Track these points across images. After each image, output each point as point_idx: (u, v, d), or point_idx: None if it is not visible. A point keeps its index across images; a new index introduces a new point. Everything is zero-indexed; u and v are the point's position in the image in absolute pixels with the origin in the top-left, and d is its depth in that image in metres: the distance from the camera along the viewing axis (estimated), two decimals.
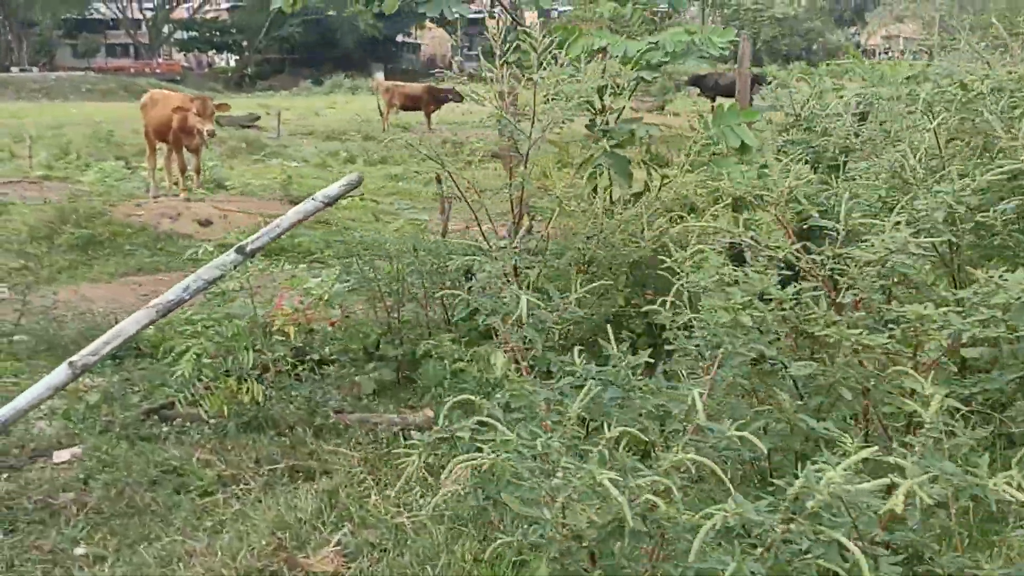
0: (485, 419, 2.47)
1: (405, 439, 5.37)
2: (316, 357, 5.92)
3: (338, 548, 4.33)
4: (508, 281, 3.16)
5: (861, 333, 2.49)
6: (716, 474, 2.49)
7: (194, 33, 63.37)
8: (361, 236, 6.30)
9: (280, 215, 13.02)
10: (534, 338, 3.00)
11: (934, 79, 5.13)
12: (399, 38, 66.67)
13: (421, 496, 4.72)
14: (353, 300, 7.08)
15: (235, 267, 5.34)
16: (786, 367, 2.71)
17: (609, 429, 2.56)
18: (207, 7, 64.40)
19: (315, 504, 4.64)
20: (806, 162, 7.31)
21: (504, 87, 5.25)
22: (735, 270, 2.74)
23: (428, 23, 65.93)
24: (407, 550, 4.26)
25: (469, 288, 6.83)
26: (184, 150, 12.81)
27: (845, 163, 6.88)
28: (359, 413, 5.74)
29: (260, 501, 4.78)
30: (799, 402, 2.64)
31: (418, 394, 6.16)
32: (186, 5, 63.32)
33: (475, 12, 72.20)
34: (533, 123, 4.99)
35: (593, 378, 2.76)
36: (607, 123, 6.22)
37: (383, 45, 63.06)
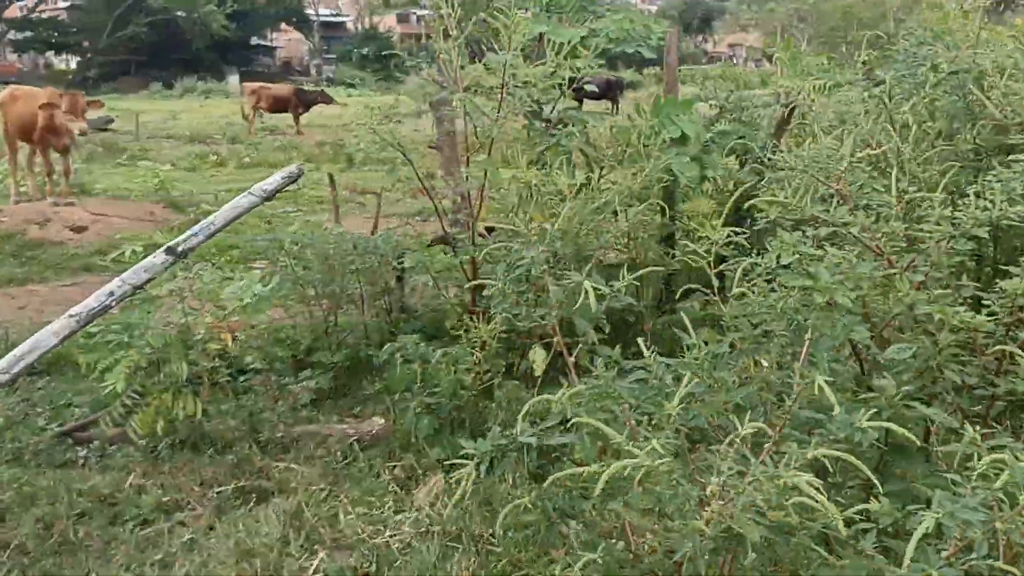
0: (589, 421, 2.16)
1: (362, 450, 4.98)
2: (257, 367, 5.43)
3: (317, 575, 3.92)
4: (545, 272, 2.87)
5: (963, 311, 2.35)
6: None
7: (30, 33, 59.37)
8: (291, 235, 5.81)
9: (161, 219, 12.27)
10: (587, 330, 2.73)
11: (892, 65, 5.14)
12: (253, 40, 64.39)
13: (396, 512, 4.35)
14: (272, 305, 6.58)
15: (166, 269, 4.81)
16: (871, 350, 2.55)
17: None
18: (43, 6, 60.45)
19: (279, 528, 4.20)
20: (733, 152, 7.33)
21: (456, 72, 4.94)
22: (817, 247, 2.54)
23: (284, 25, 64.24)
24: (394, 572, 3.90)
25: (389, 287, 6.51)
26: (51, 151, 11.75)
27: (772, 154, 6.91)
28: (302, 426, 5.29)
29: (213, 528, 4.30)
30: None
31: (361, 401, 5.76)
32: (20, 4, 59.24)
33: (331, 15, 70.39)
34: (500, 107, 4.71)
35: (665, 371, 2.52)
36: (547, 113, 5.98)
37: (236, 47, 60.75)
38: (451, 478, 4.55)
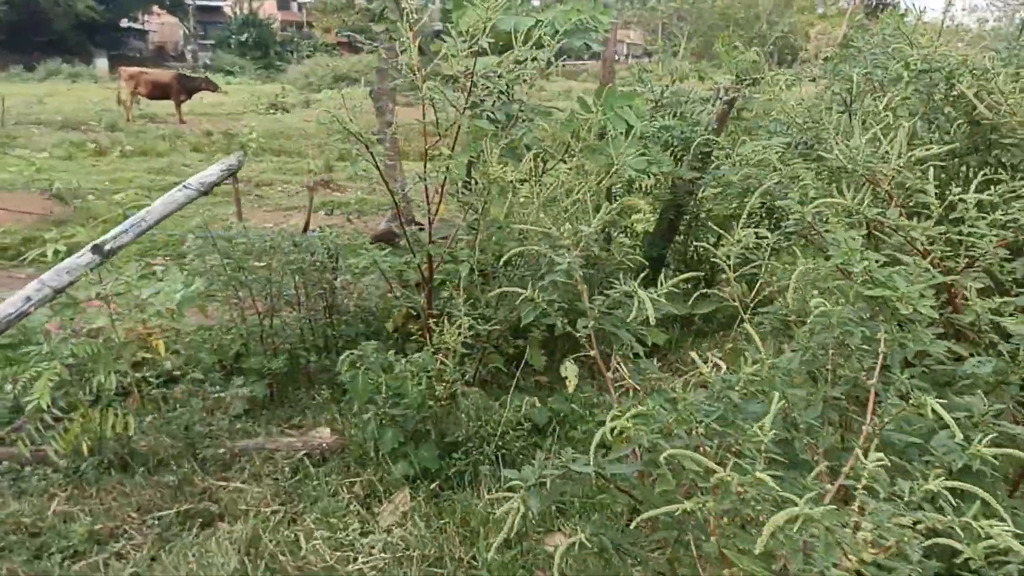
0: (686, 454, 1.91)
1: (314, 466, 4.59)
2: (197, 376, 4.95)
3: None
4: (579, 278, 2.60)
5: None
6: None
7: None
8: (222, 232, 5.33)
9: (42, 212, 11.36)
10: (629, 342, 2.49)
11: (853, 64, 5.08)
12: (123, 23, 61.32)
13: (362, 534, 4.00)
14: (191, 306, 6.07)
15: (91, 270, 4.30)
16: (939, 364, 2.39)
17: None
18: None
19: (235, 557, 3.79)
20: (666, 146, 7.22)
21: (414, 58, 4.59)
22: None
23: (157, 8, 61.46)
24: None
25: (332, 288, 6.12)
26: None
27: (710, 152, 6.84)
28: (242, 439, 4.86)
29: (156, 559, 3.85)
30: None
31: (299, 411, 5.35)
32: None
33: None
34: (468, 96, 4.39)
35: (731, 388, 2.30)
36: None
37: (104, 29, 57.67)
38: (419, 496, 4.25)
